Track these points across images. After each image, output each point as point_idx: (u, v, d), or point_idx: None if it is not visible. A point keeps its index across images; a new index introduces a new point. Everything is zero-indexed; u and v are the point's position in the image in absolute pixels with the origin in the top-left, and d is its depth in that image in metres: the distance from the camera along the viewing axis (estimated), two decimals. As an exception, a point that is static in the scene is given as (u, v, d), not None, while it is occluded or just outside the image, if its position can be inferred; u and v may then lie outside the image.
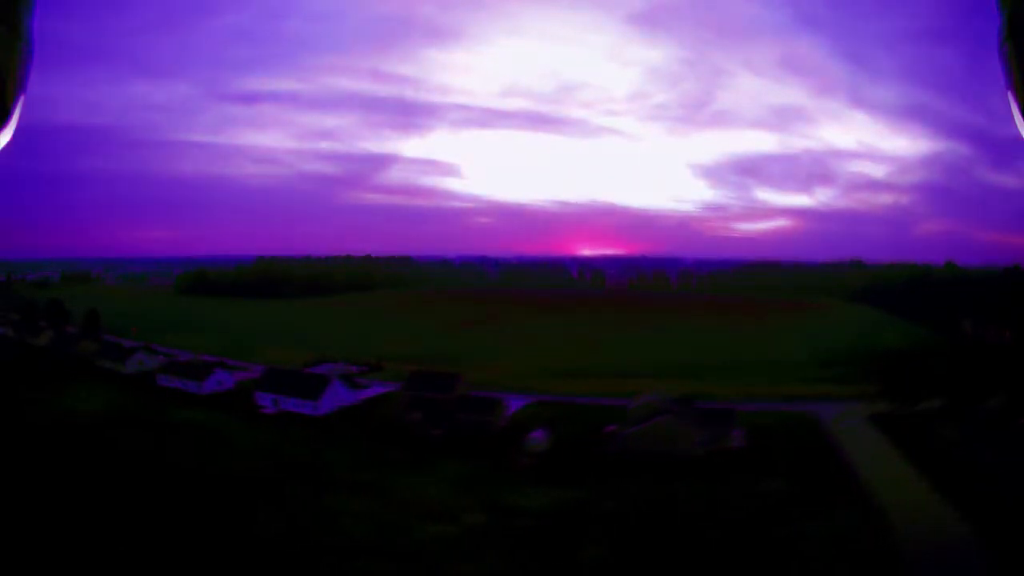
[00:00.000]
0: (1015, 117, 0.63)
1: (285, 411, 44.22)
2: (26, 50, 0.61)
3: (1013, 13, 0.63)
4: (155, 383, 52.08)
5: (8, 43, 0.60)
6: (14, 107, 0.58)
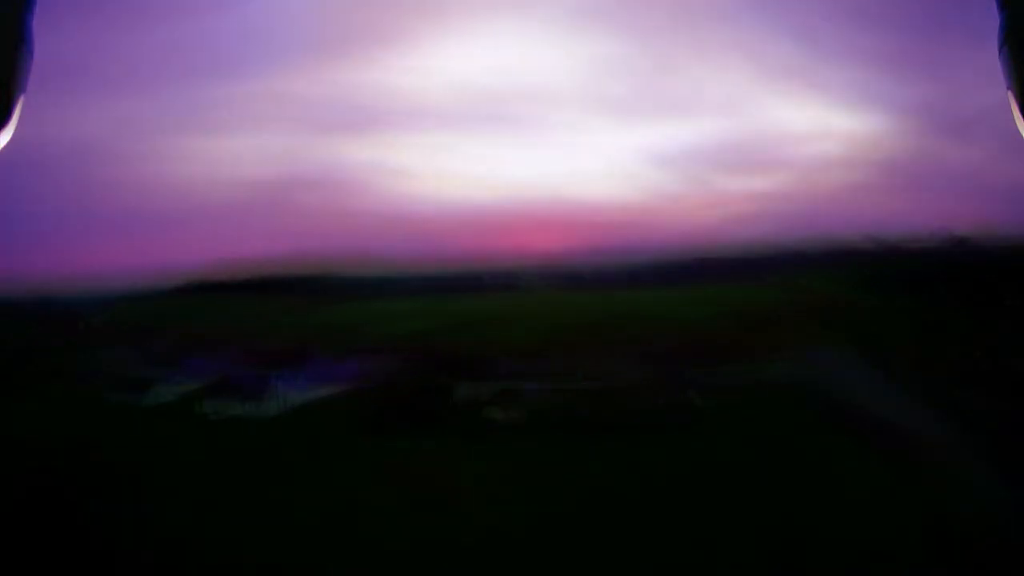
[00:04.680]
0: (1015, 117, 0.63)
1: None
2: (26, 50, 0.62)
3: (1013, 13, 0.63)
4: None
5: (8, 43, 0.60)
6: (14, 107, 0.59)
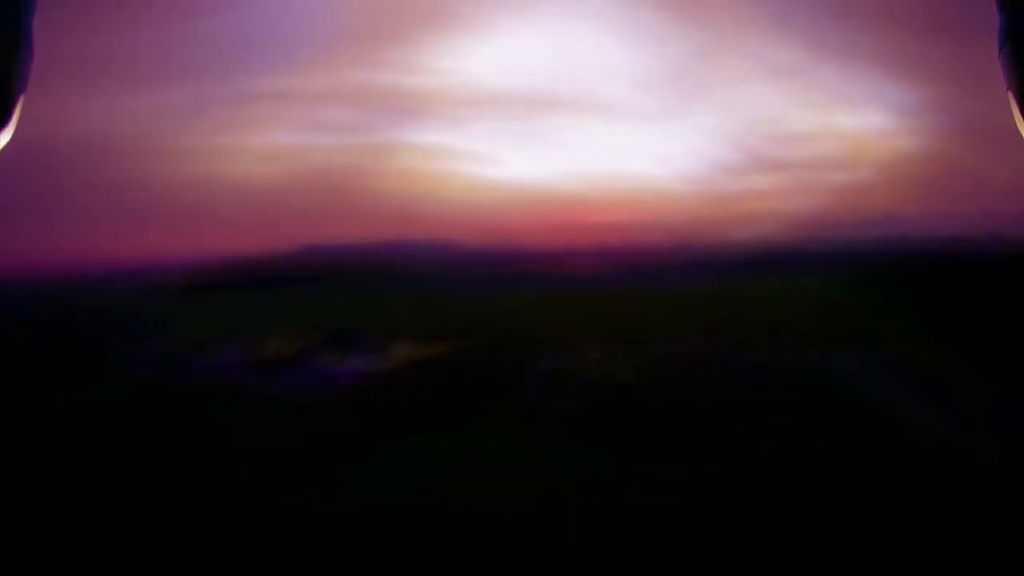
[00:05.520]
0: (1015, 118, 0.63)
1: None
2: (26, 49, 0.62)
3: (1013, 13, 0.63)
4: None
5: (8, 43, 0.60)
6: (14, 107, 0.59)
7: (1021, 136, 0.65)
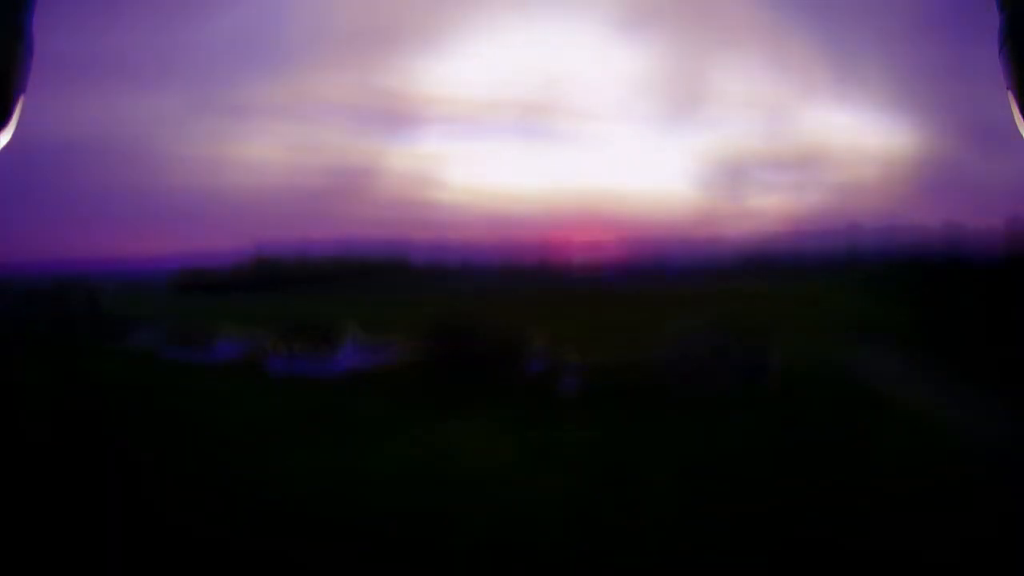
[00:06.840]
0: (1015, 118, 0.63)
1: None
2: (26, 49, 0.61)
3: (1013, 13, 0.63)
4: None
5: (8, 43, 0.60)
6: (14, 107, 0.58)
7: (1021, 136, 0.64)
